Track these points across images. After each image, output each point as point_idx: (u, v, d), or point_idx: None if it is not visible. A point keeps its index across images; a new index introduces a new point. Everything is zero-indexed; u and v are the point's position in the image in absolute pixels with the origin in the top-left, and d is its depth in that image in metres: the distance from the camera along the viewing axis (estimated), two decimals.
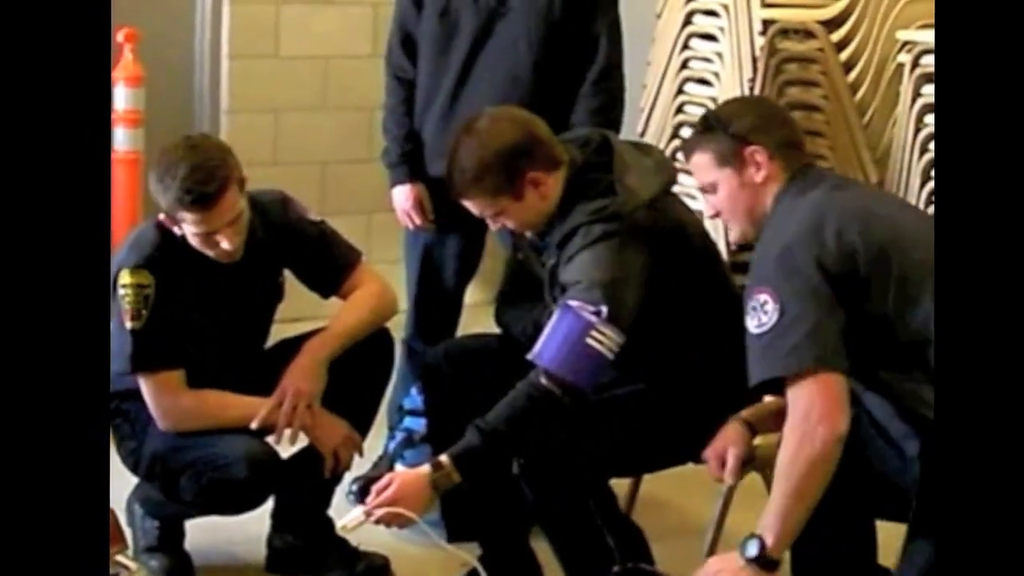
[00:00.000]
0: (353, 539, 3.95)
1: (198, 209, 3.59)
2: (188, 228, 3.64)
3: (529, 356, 3.38)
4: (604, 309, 3.31)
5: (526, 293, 3.71)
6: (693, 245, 3.59)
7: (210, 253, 3.70)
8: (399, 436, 4.36)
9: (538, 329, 3.44)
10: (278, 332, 4.02)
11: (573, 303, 3.34)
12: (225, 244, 3.66)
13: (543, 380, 3.34)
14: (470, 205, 3.57)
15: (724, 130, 3.27)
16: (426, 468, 3.40)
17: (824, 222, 3.07)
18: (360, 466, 4.10)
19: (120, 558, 3.66)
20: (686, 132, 5.24)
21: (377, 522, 3.41)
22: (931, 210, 4.65)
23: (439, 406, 3.86)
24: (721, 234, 5.03)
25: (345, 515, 3.53)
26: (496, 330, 3.93)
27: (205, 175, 3.58)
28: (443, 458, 3.39)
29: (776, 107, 3.47)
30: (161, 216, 3.70)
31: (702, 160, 3.30)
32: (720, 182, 3.28)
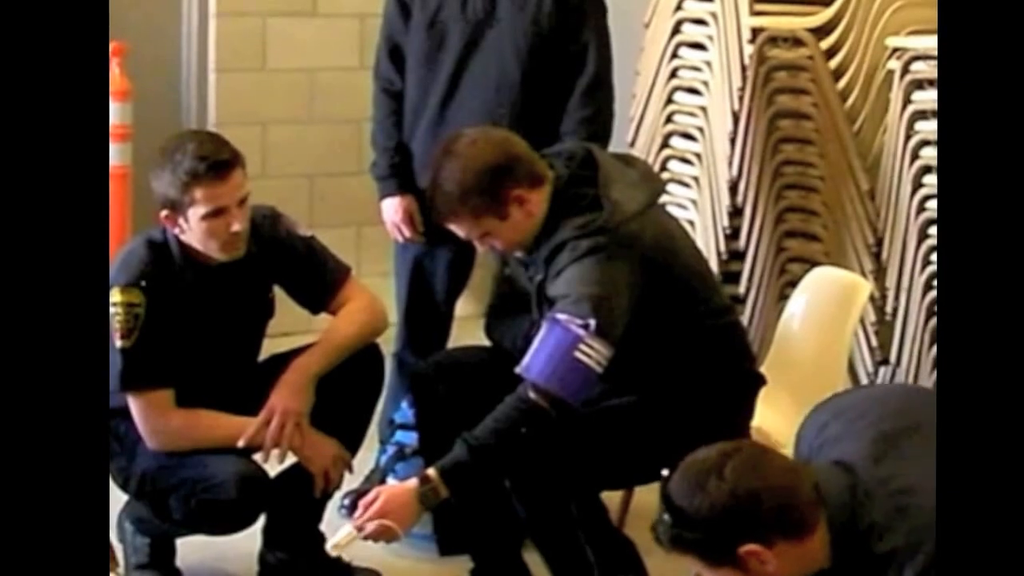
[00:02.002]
0: (345, 555, 3.94)
1: (212, 179, 3.60)
2: (197, 211, 3.63)
3: (517, 370, 3.37)
4: (592, 322, 3.30)
5: (516, 306, 3.69)
6: (681, 256, 3.56)
7: (214, 248, 3.68)
8: (390, 450, 4.35)
9: (528, 342, 3.42)
10: (268, 347, 4.00)
11: (561, 316, 3.32)
12: (235, 225, 3.65)
13: (531, 394, 3.33)
14: (456, 228, 3.56)
15: (706, 539, 2.63)
16: (413, 482, 3.39)
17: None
18: (352, 480, 4.08)
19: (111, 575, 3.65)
20: (676, 141, 5.23)
21: (365, 538, 3.40)
22: (924, 214, 4.65)
23: (430, 418, 3.83)
24: (711, 245, 5.03)
25: (336, 531, 3.51)
26: (487, 342, 3.92)
27: (218, 145, 3.67)
28: (431, 472, 3.38)
29: (759, 471, 2.64)
30: (163, 213, 3.68)
31: (692, 560, 2.72)
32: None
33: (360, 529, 3.38)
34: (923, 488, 2.59)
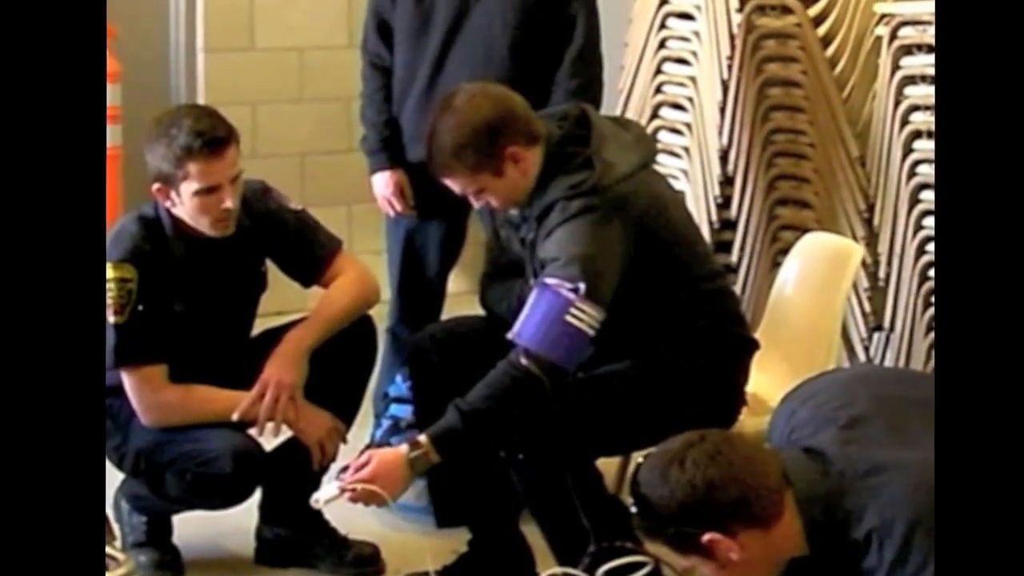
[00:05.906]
0: (342, 528, 3.94)
1: (207, 155, 3.60)
2: (189, 187, 3.63)
3: (508, 336, 3.36)
4: (582, 286, 3.29)
5: (510, 273, 3.69)
6: (673, 220, 3.56)
7: (205, 224, 3.68)
8: (385, 424, 4.35)
9: (522, 306, 3.42)
10: (261, 326, 4.01)
11: (551, 281, 3.32)
12: (228, 202, 3.65)
13: (523, 360, 3.33)
14: (451, 182, 3.55)
15: (669, 529, 2.68)
16: (404, 447, 3.38)
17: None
18: (346, 455, 4.07)
19: (108, 550, 3.64)
20: (666, 112, 5.22)
21: (353, 500, 3.38)
22: (914, 180, 4.65)
23: (426, 389, 3.82)
24: (703, 215, 5.02)
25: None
26: (482, 313, 3.91)
27: (214, 121, 3.66)
28: (422, 437, 3.37)
29: (728, 466, 2.64)
30: (155, 186, 3.67)
31: (667, 550, 2.76)
32: (703, 568, 2.73)
33: (345, 490, 3.37)
34: (892, 463, 2.61)
